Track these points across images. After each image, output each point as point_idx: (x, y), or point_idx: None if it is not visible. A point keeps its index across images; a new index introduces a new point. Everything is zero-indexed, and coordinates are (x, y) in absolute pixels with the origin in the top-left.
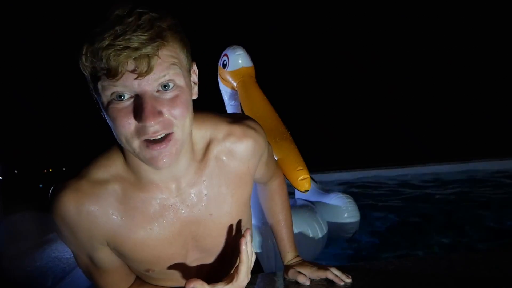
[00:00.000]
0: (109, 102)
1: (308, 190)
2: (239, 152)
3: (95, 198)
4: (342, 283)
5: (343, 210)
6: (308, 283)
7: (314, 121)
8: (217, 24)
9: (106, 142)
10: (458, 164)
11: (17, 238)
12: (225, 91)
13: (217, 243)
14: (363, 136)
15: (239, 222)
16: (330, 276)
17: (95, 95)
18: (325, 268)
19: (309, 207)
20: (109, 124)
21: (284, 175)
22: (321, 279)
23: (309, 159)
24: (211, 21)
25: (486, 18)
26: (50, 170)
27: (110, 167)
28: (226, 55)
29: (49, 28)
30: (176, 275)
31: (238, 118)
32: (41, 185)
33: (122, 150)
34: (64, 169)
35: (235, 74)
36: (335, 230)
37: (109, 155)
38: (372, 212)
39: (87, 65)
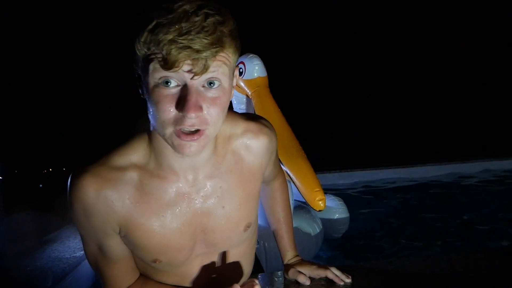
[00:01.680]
0: (156, 85)
1: (322, 210)
2: (255, 147)
3: (114, 184)
4: (342, 283)
5: (335, 210)
6: (308, 283)
7: (313, 121)
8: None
9: (107, 142)
10: (458, 164)
11: (17, 238)
12: (235, 95)
13: (225, 237)
14: (362, 136)
15: (247, 217)
16: (330, 275)
17: (142, 73)
18: (325, 267)
19: (305, 208)
20: (148, 104)
21: (301, 193)
22: (321, 278)
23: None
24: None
25: (486, 18)
26: (50, 170)
27: (131, 155)
28: (242, 63)
29: (48, 27)
30: (181, 269)
31: (252, 117)
32: (41, 185)
33: (148, 134)
34: (64, 169)
35: (251, 83)
36: (328, 228)
37: (131, 143)
38: (369, 212)
39: (145, 47)
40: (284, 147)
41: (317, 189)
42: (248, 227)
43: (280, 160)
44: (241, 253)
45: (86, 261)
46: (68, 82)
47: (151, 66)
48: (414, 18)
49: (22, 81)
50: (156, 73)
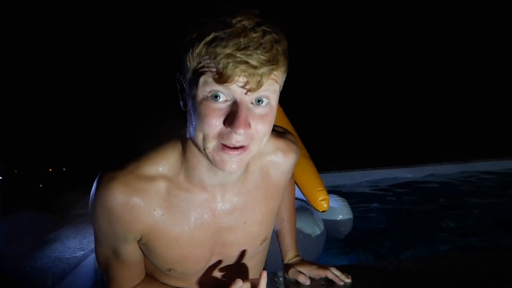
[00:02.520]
0: (204, 99)
1: (326, 211)
2: (283, 165)
3: (142, 194)
4: (342, 283)
5: (338, 211)
6: (308, 282)
7: (314, 121)
8: None
9: (107, 142)
10: (458, 164)
11: (17, 238)
12: None
13: (241, 252)
14: (363, 136)
15: (266, 232)
16: (330, 275)
17: (189, 85)
18: (325, 267)
19: (307, 209)
20: (192, 117)
21: (303, 193)
22: (321, 278)
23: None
24: None
25: (486, 18)
26: (50, 170)
27: (161, 165)
28: None
29: (48, 27)
30: (192, 277)
31: (280, 133)
32: (41, 185)
33: (182, 146)
34: (64, 169)
35: None
36: (331, 229)
37: (163, 152)
38: (370, 212)
39: (197, 60)
40: None
41: (320, 189)
42: (265, 240)
43: None
44: (253, 264)
45: (86, 261)
46: (68, 82)
47: (201, 79)
48: (416, 18)
49: (22, 81)
50: (207, 86)
